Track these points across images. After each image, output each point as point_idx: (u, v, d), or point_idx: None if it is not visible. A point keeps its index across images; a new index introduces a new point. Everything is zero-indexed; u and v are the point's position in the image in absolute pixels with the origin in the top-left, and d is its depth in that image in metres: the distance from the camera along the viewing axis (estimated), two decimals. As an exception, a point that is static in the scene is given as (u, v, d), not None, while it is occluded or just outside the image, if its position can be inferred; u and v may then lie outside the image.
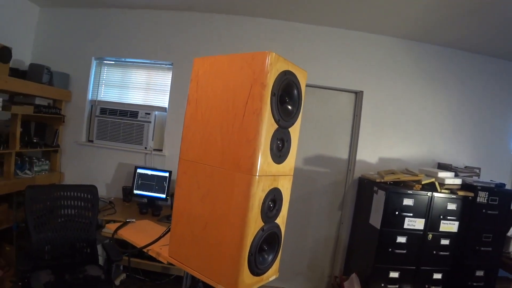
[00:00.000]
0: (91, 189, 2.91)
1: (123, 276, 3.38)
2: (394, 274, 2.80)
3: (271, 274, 1.40)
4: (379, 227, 2.81)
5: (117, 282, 3.26)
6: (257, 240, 1.26)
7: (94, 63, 3.89)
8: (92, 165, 3.83)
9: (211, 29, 3.58)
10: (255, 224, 1.25)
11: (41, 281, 2.41)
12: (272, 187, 1.30)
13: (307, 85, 3.35)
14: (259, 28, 3.50)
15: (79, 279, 2.57)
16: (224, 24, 3.55)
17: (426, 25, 3.06)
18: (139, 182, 3.55)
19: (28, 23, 3.80)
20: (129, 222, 2.01)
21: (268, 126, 1.22)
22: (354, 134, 3.54)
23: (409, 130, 3.46)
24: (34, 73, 3.36)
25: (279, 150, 1.31)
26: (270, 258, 1.37)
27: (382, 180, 2.97)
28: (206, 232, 1.34)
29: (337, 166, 3.59)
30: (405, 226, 2.79)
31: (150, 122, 3.64)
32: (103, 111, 3.77)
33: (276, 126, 1.26)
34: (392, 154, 3.46)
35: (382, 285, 2.79)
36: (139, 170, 3.56)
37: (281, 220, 1.40)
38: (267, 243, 1.35)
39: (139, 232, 1.89)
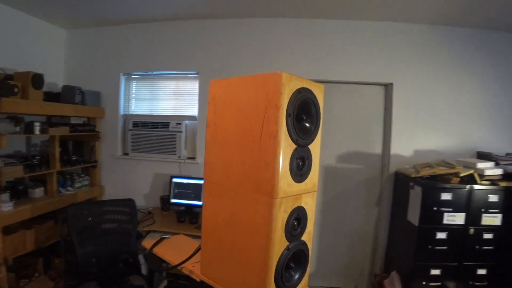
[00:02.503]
0: (129, 203, 3.03)
1: (165, 282, 3.50)
2: (435, 271, 2.71)
3: (301, 290, 1.41)
4: (417, 224, 2.73)
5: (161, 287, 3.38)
6: (283, 259, 1.27)
7: (122, 78, 4.01)
8: (129, 177, 3.98)
9: (233, 35, 3.58)
10: (279, 244, 1.25)
11: (88, 293, 2.56)
12: (295, 206, 1.30)
13: (333, 82, 3.35)
14: (282, 29, 3.47)
15: (123, 291, 2.70)
16: (245, 28, 3.55)
17: (456, 8, 2.89)
18: (176, 191, 3.64)
19: (57, 46, 3.99)
20: (164, 238, 2.08)
21: (285, 147, 1.22)
22: (387, 127, 3.44)
23: (444, 119, 3.31)
24: (67, 94, 3.53)
25: (300, 169, 1.31)
26: (298, 275, 1.37)
27: (418, 175, 2.88)
28: (233, 253, 1.37)
29: (371, 162, 3.51)
30: (445, 222, 2.69)
31: (181, 131, 3.71)
32: (136, 124, 3.89)
33: (294, 146, 1.26)
34: (427, 145, 3.33)
35: (424, 282, 2.72)
36: (174, 179, 3.65)
37: (307, 236, 1.39)
38: (294, 261, 1.35)
39: (174, 249, 1.95)
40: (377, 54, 3.33)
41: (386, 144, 3.43)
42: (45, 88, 3.41)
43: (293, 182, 1.28)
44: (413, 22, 3.27)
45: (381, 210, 3.46)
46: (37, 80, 3.01)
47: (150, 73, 3.95)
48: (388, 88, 3.41)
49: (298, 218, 1.33)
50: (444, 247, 2.69)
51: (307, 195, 1.37)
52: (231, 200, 1.37)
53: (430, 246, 2.70)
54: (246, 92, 1.31)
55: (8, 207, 2.76)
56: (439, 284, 2.71)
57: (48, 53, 3.87)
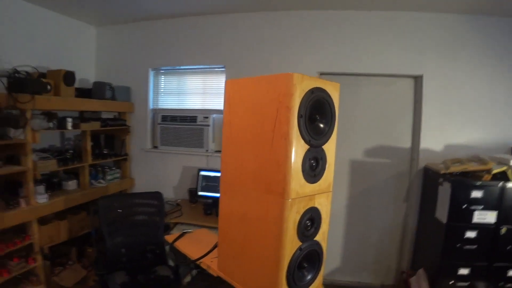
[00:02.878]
0: (157, 195, 3.12)
1: (194, 272, 3.60)
2: (464, 271, 2.62)
3: (315, 289, 1.41)
4: (445, 222, 2.63)
5: (188, 278, 3.47)
6: (295, 259, 1.28)
7: (151, 73, 4.10)
8: (159, 170, 4.09)
9: (259, 29, 3.56)
10: (291, 244, 1.26)
11: (117, 282, 2.67)
12: (308, 207, 1.30)
13: (361, 75, 3.26)
14: (307, 21, 3.40)
15: (150, 279, 2.79)
16: (271, 22, 3.51)
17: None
18: (203, 183, 3.71)
19: (88, 44, 4.13)
20: (186, 232, 2.13)
21: (298, 148, 1.21)
22: (416, 121, 3.32)
23: (477, 113, 3.15)
24: (98, 90, 3.65)
25: (313, 170, 1.30)
26: (311, 275, 1.37)
27: (447, 171, 2.77)
28: (247, 251, 1.39)
29: (400, 156, 3.40)
30: (475, 220, 2.58)
31: (209, 125, 3.76)
32: (164, 118, 3.99)
33: (307, 146, 1.25)
34: (459, 140, 3.19)
35: (451, 282, 2.63)
36: (202, 172, 3.72)
37: (321, 236, 1.39)
38: (307, 260, 1.35)
39: (195, 243, 1.99)
40: (406, 45, 3.20)
41: (416, 138, 3.32)
42: (77, 85, 3.55)
43: (306, 183, 1.27)
44: (444, 11, 3.11)
45: (409, 206, 3.37)
46: (68, 77, 3.13)
47: (178, 67, 4.02)
48: (418, 80, 3.28)
49: (311, 218, 1.33)
50: (474, 246, 2.59)
51: (321, 195, 1.36)
52: (244, 199, 1.39)
53: (458, 245, 2.60)
54: (259, 92, 1.31)
55: (43, 199, 2.91)
56: (467, 284, 2.62)
57: (80, 50, 4.01)
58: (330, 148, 1.36)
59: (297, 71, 3.29)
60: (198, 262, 1.73)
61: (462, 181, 2.61)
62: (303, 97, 1.20)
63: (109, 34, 4.16)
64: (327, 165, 1.36)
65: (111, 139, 4.10)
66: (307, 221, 1.32)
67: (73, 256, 3.34)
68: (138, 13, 3.73)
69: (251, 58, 3.59)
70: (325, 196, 1.38)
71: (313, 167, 1.30)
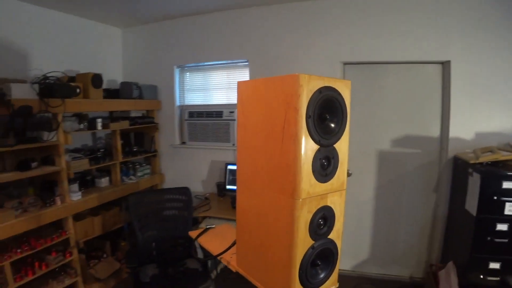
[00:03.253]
0: (185, 191, 3.23)
1: (222, 265, 3.69)
2: (494, 265, 2.53)
3: (329, 286, 1.42)
4: (475, 214, 2.55)
5: (217, 271, 3.56)
6: (307, 258, 1.29)
7: (176, 71, 4.20)
8: (187, 165, 4.20)
9: (281, 21, 3.55)
10: (303, 243, 1.27)
11: (148, 274, 2.81)
12: (320, 206, 1.30)
13: (386, 63, 3.18)
14: (329, 11, 3.34)
15: (180, 272, 2.91)
16: (293, 13, 3.48)
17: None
18: (231, 177, 3.78)
19: (114, 45, 4.28)
20: (209, 228, 2.19)
21: (307, 149, 1.22)
22: (445, 109, 3.20)
23: (509, 98, 2.99)
24: (125, 90, 3.78)
25: (325, 169, 1.30)
26: (325, 272, 1.38)
27: (477, 161, 2.67)
28: (262, 249, 1.42)
29: (428, 146, 3.30)
30: (506, 212, 2.48)
31: (234, 120, 3.81)
32: (191, 114, 4.09)
33: (317, 146, 1.25)
34: (491, 127, 3.04)
35: (481, 276, 2.55)
36: (229, 166, 3.79)
37: (335, 234, 1.39)
38: (321, 258, 1.36)
39: (217, 238, 2.04)
40: (432, 30, 3.07)
41: (445, 126, 3.21)
42: (105, 86, 3.70)
43: (317, 182, 1.28)
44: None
45: (439, 197, 3.28)
46: (96, 80, 3.26)
47: (202, 64, 4.08)
48: (445, 66, 3.16)
49: (324, 217, 1.34)
50: (505, 240, 2.49)
51: (334, 194, 1.36)
52: (259, 199, 1.41)
53: (489, 238, 2.52)
54: (268, 93, 1.32)
55: (77, 196, 3.08)
56: (498, 279, 2.53)
57: (107, 53, 4.16)
58: (342, 146, 1.36)
59: (320, 62, 3.28)
60: (219, 258, 1.78)
61: (493, 171, 2.52)
62: (311, 98, 1.20)
63: (134, 35, 4.29)
64: (339, 164, 1.35)
65: (140, 137, 4.25)
66: (320, 220, 1.32)
67: (107, 250, 3.51)
68: (161, 13, 3.82)
69: (274, 51, 3.59)
70: (338, 194, 1.38)
71: (325, 167, 1.30)
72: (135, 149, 3.99)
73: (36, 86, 2.73)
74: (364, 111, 3.43)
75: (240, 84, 1.50)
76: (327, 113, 1.29)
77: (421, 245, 3.40)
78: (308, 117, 1.20)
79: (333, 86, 1.28)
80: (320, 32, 3.40)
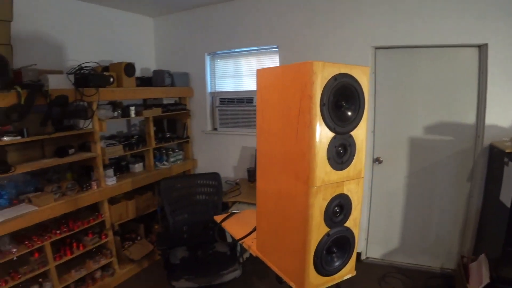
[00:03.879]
0: (215, 176, 3.30)
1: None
2: (530, 259, 2.41)
3: (345, 273, 1.42)
4: (510, 205, 2.43)
5: (246, 255, 3.64)
6: (322, 245, 1.30)
7: (207, 58, 4.26)
8: (219, 151, 4.29)
9: (310, 5, 3.48)
10: (318, 230, 1.28)
11: (178, 256, 2.92)
12: (336, 193, 1.30)
13: (419, 47, 3.06)
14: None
15: (209, 255, 3.00)
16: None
17: None
18: (261, 163, 3.82)
19: (147, 34, 4.40)
20: (234, 213, 2.24)
21: (322, 136, 1.21)
22: (481, 94, 3.03)
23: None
24: (157, 78, 3.89)
25: (341, 157, 1.29)
26: (341, 260, 1.39)
27: (515, 149, 2.53)
28: (279, 235, 1.45)
29: (463, 133, 3.16)
30: (544, 204, 2.35)
31: (265, 106, 3.82)
32: (222, 101, 4.16)
33: (332, 134, 1.24)
34: (531, 114, 2.87)
35: (516, 270, 2.45)
36: (260, 152, 3.82)
37: (352, 223, 1.39)
38: (337, 246, 1.37)
39: (240, 223, 2.09)
40: (467, 12, 2.89)
41: (480, 113, 3.05)
42: (139, 74, 3.82)
43: (333, 170, 1.27)
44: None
45: (473, 186, 3.14)
46: (129, 68, 3.38)
47: (232, 50, 4.11)
48: (482, 49, 2.98)
49: (340, 205, 1.33)
50: (542, 233, 2.36)
51: (351, 182, 1.35)
52: (276, 186, 1.43)
53: (525, 231, 2.40)
54: (285, 81, 1.32)
55: (112, 181, 3.24)
56: (533, 273, 2.41)
57: (140, 41, 4.29)
58: (360, 134, 1.34)
59: (351, 47, 3.22)
60: (240, 242, 1.83)
61: (531, 161, 2.38)
62: (325, 85, 1.19)
63: (166, 23, 4.38)
64: (356, 152, 1.34)
65: (173, 123, 4.37)
66: (336, 208, 1.32)
67: (141, 232, 3.68)
68: (192, 1, 3.84)
69: (304, 36, 3.55)
70: (356, 182, 1.37)
71: (341, 154, 1.29)
72: (168, 135, 4.11)
73: (72, 77, 2.87)
74: (396, 97, 3.33)
75: (259, 72, 1.51)
76: (343, 100, 1.27)
77: (453, 236, 3.29)
78: (322, 104, 1.19)
79: (349, 73, 1.26)
80: (350, 16, 3.30)
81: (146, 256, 3.56)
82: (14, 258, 2.55)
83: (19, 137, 2.50)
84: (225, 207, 3.45)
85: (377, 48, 3.27)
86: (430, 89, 3.20)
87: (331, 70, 1.21)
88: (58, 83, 2.75)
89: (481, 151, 3.02)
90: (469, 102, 3.10)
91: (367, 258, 3.68)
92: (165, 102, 4.07)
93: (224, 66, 4.26)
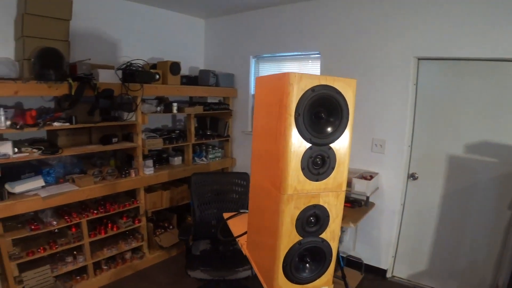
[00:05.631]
0: (244, 176, 3.40)
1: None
2: None
3: (320, 285, 1.42)
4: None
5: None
6: (293, 252, 1.32)
7: (252, 61, 4.37)
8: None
9: (353, 13, 3.43)
10: (289, 237, 1.30)
11: (199, 248, 3.07)
12: (311, 204, 1.31)
13: (465, 59, 2.86)
14: (403, 4, 3.11)
15: (229, 251, 3.11)
16: (366, 5, 3.33)
17: None
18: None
19: (197, 35, 4.63)
20: (242, 212, 2.31)
21: (296, 146, 1.24)
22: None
23: None
24: (203, 77, 4.09)
25: (317, 168, 1.30)
26: (314, 270, 1.39)
27: None
28: (260, 235, 1.50)
29: (509, 156, 2.88)
30: None
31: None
32: (263, 102, 4.22)
33: (308, 144, 1.26)
34: None
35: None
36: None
37: (329, 235, 1.38)
38: (311, 256, 1.37)
39: (245, 222, 2.16)
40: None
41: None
42: (188, 73, 4.05)
43: (307, 180, 1.29)
44: None
45: (515, 215, 2.86)
46: (174, 67, 3.61)
47: (276, 54, 4.17)
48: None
49: (316, 215, 1.34)
50: None
51: (329, 194, 1.34)
52: (260, 188, 1.49)
53: None
54: (270, 90, 1.37)
55: (149, 171, 3.48)
56: None
57: (191, 42, 4.54)
58: (341, 147, 1.33)
59: (391, 56, 3.15)
60: (237, 240, 1.90)
61: None
62: (301, 96, 1.21)
63: (216, 25, 4.57)
64: (336, 164, 1.33)
65: (216, 122, 4.55)
66: (311, 218, 1.33)
67: (174, 222, 3.90)
68: (241, 4, 3.97)
69: (346, 43, 3.50)
70: (335, 195, 1.36)
71: (318, 166, 1.30)
72: (208, 133, 4.30)
73: (120, 72, 3.15)
74: (437, 111, 3.14)
75: (257, 79, 1.57)
76: (324, 113, 1.28)
77: (487, 264, 3.02)
78: (297, 115, 1.21)
79: (331, 85, 1.26)
80: (393, 25, 3.19)
81: (176, 245, 3.77)
82: (56, 230, 2.88)
83: (68, 124, 2.82)
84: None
85: (420, 59, 3.11)
86: (476, 105, 2.96)
87: (309, 82, 1.22)
88: (107, 77, 3.04)
89: (529, 177, 2.74)
90: (520, 122, 2.83)
91: (392, 276, 3.51)
92: (209, 101, 4.25)
93: (267, 69, 4.34)
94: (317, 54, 3.79)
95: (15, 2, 2.86)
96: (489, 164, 2.96)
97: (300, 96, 1.21)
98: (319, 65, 3.76)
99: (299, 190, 1.28)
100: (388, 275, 3.50)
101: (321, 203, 1.34)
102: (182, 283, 3.36)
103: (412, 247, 3.41)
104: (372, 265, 3.55)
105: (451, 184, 3.14)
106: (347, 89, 1.30)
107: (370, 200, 3.29)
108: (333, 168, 1.33)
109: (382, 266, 3.50)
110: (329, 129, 1.30)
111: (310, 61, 3.94)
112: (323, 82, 1.25)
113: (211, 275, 2.75)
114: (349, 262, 3.64)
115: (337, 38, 3.55)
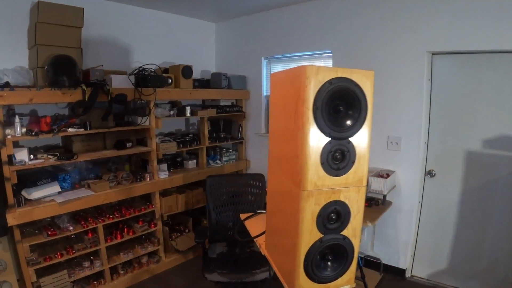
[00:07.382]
0: (259, 177, 3.38)
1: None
2: None
3: (342, 284, 1.39)
4: None
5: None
6: (314, 250, 1.29)
7: (264, 62, 4.36)
8: (271, 153, 4.35)
9: (364, 10, 3.39)
10: (309, 235, 1.28)
11: (216, 251, 3.05)
12: (331, 200, 1.28)
13: (482, 52, 2.81)
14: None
15: (245, 253, 3.09)
16: (377, 2, 3.30)
17: None
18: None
19: (208, 38, 4.65)
20: (259, 213, 2.29)
21: (315, 140, 1.22)
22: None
23: None
24: (215, 80, 4.10)
25: (337, 163, 1.27)
26: (336, 269, 1.36)
27: None
28: (280, 235, 1.48)
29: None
30: None
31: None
32: (277, 104, 4.21)
33: (327, 139, 1.24)
34: None
35: None
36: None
37: (351, 232, 1.35)
38: (333, 254, 1.34)
39: (262, 223, 2.14)
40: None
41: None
42: (199, 76, 4.06)
43: (327, 175, 1.26)
44: None
45: (539, 211, 2.77)
46: (186, 71, 3.62)
47: (288, 55, 4.16)
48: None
49: (337, 212, 1.31)
50: None
51: (349, 189, 1.31)
52: (279, 187, 1.47)
53: None
54: (286, 85, 1.35)
55: (164, 175, 3.49)
56: None
57: (202, 45, 4.56)
58: (361, 140, 1.30)
59: (404, 52, 3.12)
60: (255, 240, 1.88)
61: None
62: (319, 89, 1.19)
63: (226, 28, 4.58)
64: (356, 158, 1.30)
65: (229, 124, 4.55)
66: (332, 214, 1.30)
67: (190, 226, 3.89)
68: (252, 6, 3.98)
69: (358, 41, 3.46)
70: (355, 190, 1.33)
71: (337, 160, 1.27)
72: (222, 136, 4.30)
73: (133, 77, 3.17)
74: (453, 106, 3.07)
75: (272, 75, 1.55)
76: (343, 106, 1.26)
77: (509, 263, 2.93)
78: (315, 108, 1.19)
79: (349, 77, 1.24)
80: (405, 19, 3.14)
81: (192, 248, 3.76)
82: (72, 236, 2.90)
83: (82, 129, 2.85)
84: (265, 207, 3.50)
85: (434, 53, 3.06)
86: (493, 99, 2.89)
87: (326, 75, 1.20)
88: (119, 83, 3.06)
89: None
90: (543, 115, 2.75)
91: (412, 276, 3.43)
92: (222, 103, 4.25)
93: (279, 70, 4.30)
94: (329, 52, 3.76)
95: (27, 12, 2.91)
96: (509, 159, 2.87)
97: (317, 89, 1.19)
98: (331, 64, 3.73)
99: (319, 185, 1.25)
100: (407, 274, 3.42)
101: (341, 199, 1.31)
102: (199, 286, 3.35)
103: (431, 246, 3.33)
104: (391, 265, 3.48)
105: (471, 180, 3.06)
106: (365, 81, 1.27)
107: (387, 198, 3.23)
108: (353, 162, 1.30)
109: (401, 265, 3.42)
110: (348, 122, 1.27)
111: (322, 60, 3.91)
112: (340, 75, 1.22)
113: (228, 277, 2.73)
114: (367, 263, 3.57)
115: (349, 36, 3.52)
